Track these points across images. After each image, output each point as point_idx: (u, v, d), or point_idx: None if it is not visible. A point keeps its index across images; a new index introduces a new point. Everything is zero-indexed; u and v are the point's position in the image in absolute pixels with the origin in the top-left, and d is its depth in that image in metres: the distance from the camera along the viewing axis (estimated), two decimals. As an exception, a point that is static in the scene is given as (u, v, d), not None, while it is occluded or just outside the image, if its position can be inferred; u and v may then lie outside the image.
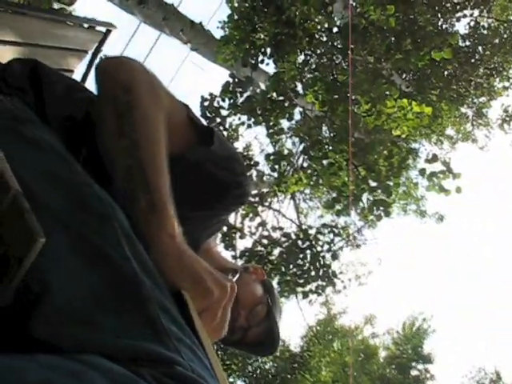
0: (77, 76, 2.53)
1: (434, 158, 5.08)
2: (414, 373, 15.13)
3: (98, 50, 2.35)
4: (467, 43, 8.80)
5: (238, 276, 1.19)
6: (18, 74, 0.87)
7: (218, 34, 6.36)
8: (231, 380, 11.30)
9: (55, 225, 0.54)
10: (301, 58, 5.97)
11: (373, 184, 5.49)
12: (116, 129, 0.78)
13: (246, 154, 7.04)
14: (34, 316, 0.46)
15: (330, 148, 5.81)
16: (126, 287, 0.54)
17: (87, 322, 0.49)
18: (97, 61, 2.42)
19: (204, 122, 1.08)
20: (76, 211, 0.58)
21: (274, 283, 7.42)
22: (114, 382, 0.43)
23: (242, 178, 1.06)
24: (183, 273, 0.72)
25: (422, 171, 5.11)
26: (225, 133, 6.63)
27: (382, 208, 5.42)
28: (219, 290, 0.74)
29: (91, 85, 0.97)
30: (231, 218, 7.38)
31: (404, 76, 7.19)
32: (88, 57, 2.43)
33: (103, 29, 2.32)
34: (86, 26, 2.34)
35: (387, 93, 5.17)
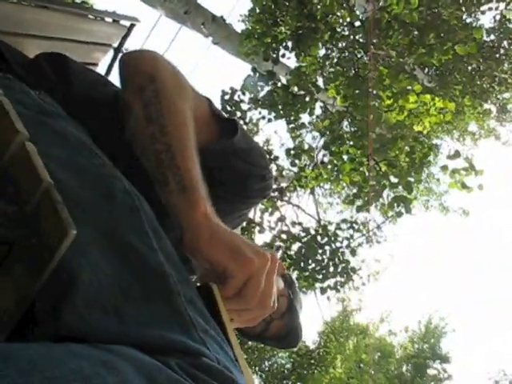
0: (101, 70, 2.56)
1: (456, 155, 5.01)
2: (431, 372, 15.00)
3: (121, 44, 2.36)
4: (492, 37, 8.64)
5: None
6: (47, 69, 0.89)
7: (239, 27, 6.38)
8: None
9: (83, 217, 0.54)
10: (322, 52, 5.96)
11: (394, 180, 5.45)
12: (144, 116, 0.79)
13: (265, 148, 7.00)
14: (63, 307, 0.46)
15: (351, 143, 5.78)
16: (153, 279, 0.55)
17: (115, 312, 0.49)
18: (120, 54, 2.44)
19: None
20: (104, 203, 0.58)
21: (293, 278, 7.39)
22: (143, 371, 0.43)
23: (265, 172, 1.06)
24: (220, 246, 0.72)
25: (444, 168, 5.05)
26: (245, 127, 6.63)
27: (402, 204, 5.36)
28: (260, 258, 0.73)
29: (115, 78, 0.99)
30: (250, 213, 7.34)
31: (426, 71, 7.08)
32: (112, 51, 2.44)
33: (127, 23, 2.33)
34: (109, 19, 2.36)
35: (409, 88, 5.13)
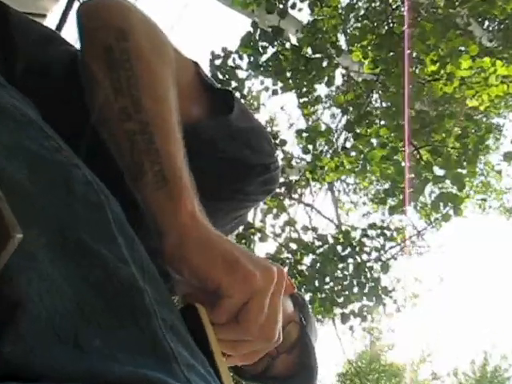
0: (51, 23, 2.53)
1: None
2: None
3: (65, 15, 2.34)
4: None
5: None
6: None
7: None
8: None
9: (33, 216, 0.54)
10: (346, 1, 5.97)
11: (439, 172, 5.45)
12: (111, 86, 0.79)
13: (269, 129, 7.01)
14: (4, 333, 0.46)
15: (382, 123, 5.81)
16: (122, 297, 0.55)
17: (74, 342, 0.49)
18: (77, 2, 2.42)
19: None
20: (59, 199, 0.58)
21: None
22: None
23: (269, 160, 1.07)
24: (212, 256, 0.72)
25: (508, 155, 5.04)
26: (242, 101, 6.61)
27: (450, 204, 5.37)
28: (264, 273, 0.73)
29: (71, 35, 0.98)
30: (249, 215, 7.36)
31: (486, 25, 7.04)
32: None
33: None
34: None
35: (462, 49, 5.09)
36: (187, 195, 0.75)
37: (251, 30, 5.84)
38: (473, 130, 5.31)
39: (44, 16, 2.37)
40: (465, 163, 5.36)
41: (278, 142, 6.87)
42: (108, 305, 0.53)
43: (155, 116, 0.78)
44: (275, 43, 5.90)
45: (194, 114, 0.96)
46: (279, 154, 6.99)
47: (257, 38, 5.86)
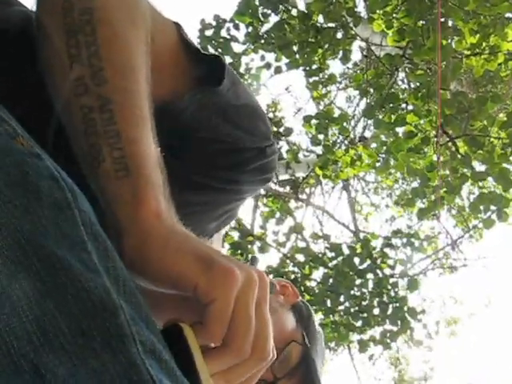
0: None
1: None
2: None
3: None
4: None
5: None
6: None
7: None
8: None
9: None
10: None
11: (480, 168, 5.48)
12: (67, 53, 0.80)
13: (271, 114, 7.00)
14: None
15: (410, 108, 5.82)
16: (93, 316, 0.55)
17: (34, 370, 0.50)
18: None
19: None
20: (15, 195, 0.59)
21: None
22: None
23: (265, 143, 1.11)
24: (183, 255, 0.73)
25: None
26: (235, 73, 6.63)
27: (494, 207, 5.39)
28: (241, 270, 0.74)
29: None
30: (246, 219, 7.42)
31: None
32: None
33: None
34: None
35: (508, 15, 5.07)
36: (152, 188, 0.76)
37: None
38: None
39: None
40: (511, 157, 5.35)
41: (281, 130, 6.85)
42: (76, 326, 0.54)
43: (119, 91, 0.79)
44: (279, 10, 5.92)
45: (174, 88, 0.99)
46: (283, 146, 7.00)
47: (256, 3, 5.87)
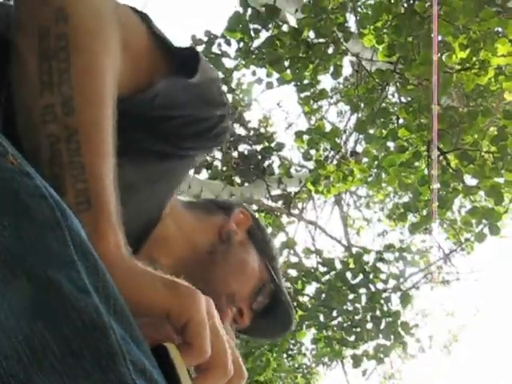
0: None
1: None
2: None
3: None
4: None
5: (222, 253, 1.33)
6: None
7: None
8: None
9: None
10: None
11: (471, 182, 5.49)
12: (39, 78, 0.80)
13: (263, 129, 7.01)
14: None
15: (401, 122, 5.82)
16: (83, 337, 0.56)
17: None
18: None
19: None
20: (4, 214, 0.60)
21: (307, 340, 7.40)
22: None
23: (223, 110, 1.16)
24: (151, 283, 0.75)
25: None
26: (229, 96, 6.58)
27: (485, 221, 5.39)
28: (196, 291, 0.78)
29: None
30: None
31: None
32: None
33: None
34: None
35: (499, 30, 5.10)
36: (112, 223, 0.78)
37: (240, 9, 5.85)
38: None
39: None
40: (503, 171, 5.35)
41: (273, 145, 6.87)
42: (66, 345, 0.54)
43: (87, 123, 0.80)
44: (270, 26, 5.92)
45: (147, 79, 1.00)
46: (275, 161, 7.01)
47: (247, 19, 5.87)
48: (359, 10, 5.98)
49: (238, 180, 7.02)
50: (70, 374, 0.53)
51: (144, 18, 1.04)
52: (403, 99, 6.06)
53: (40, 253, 0.59)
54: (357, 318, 6.57)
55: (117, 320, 0.60)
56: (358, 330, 6.53)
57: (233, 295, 1.31)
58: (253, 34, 5.92)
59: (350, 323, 6.61)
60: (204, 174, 6.92)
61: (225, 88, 6.63)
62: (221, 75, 6.49)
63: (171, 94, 1.04)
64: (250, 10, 5.87)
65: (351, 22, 6.15)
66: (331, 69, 5.93)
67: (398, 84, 6.01)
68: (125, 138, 0.88)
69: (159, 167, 1.15)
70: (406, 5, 5.46)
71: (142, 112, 0.99)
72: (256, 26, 5.89)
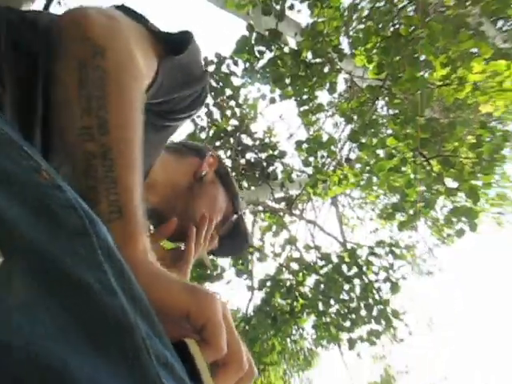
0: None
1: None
2: None
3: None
4: None
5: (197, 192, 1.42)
6: None
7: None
8: None
9: (10, 242, 0.54)
10: (348, 1, 5.97)
11: (452, 184, 5.46)
12: (78, 101, 0.82)
13: (267, 140, 7.03)
14: None
15: (390, 132, 5.83)
16: (110, 331, 0.54)
17: (61, 368, 0.48)
18: (55, 5, 2.41)
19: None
20: (38, 223, 0.58)
21: (308, 326, 7.42)
22: None
23: (205, 81, 1.21)
24: (174, 287, 0.77)
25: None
26: (237, 110, 6.61)
27: (464, 219, 5.39)
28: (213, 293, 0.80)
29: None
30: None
31: (500, 25, 7.08)
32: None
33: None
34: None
35: (474, 51, 5.09)
36: (140, 232, 0.80)
37: (246, 33, 5.85)
38: (487, 139, 5.28)
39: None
40: (479, 174, 5.37)
41: (276, 153, 6.87)
42: (94, 342, 0.53)
43: (120, 142, 0.82)
44: (272, 48, 5.90)
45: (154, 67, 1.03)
46: (278, 167, 7.02)
47: (252, 42, 5.88)
48: (351, 33, 5.97)
49: (245, 184, 6.95)
50: (101, 366, 0.52)
51: (143, 19, 1.06)
52: (391, 112, 5.99)
53: (70, 257, 0.58)
54: (352, 305, 6.56)
55: (142, 318, 0.59)
56: (353, 316, 6.52)
57: None
58: (258, 55, 5.91)
59: (345, 310, 6.59)
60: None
61: (233, 103, 6.65)
62: (229, 92, 6.50)
63: (169, 78, 1.06)
64: (255, 34, 5.85)
65: (344, 44, 6.13)
66: (327, 85, 5.93)
67: (386, 98, 5.97)
68: None
69: (157, 136, 1.20)
70: (392, 29, 5.48)
71: (152, 101, 1.03)
72: (260, 48, 5.88)
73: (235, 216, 1.49)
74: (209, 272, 6.17)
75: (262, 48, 5.90)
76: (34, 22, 1.02)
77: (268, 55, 5.94)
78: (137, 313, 0.59)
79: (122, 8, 1.05)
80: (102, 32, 0.88)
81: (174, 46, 1.07)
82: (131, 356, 0.54)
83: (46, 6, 2.44)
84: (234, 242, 1.54)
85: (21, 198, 0.60)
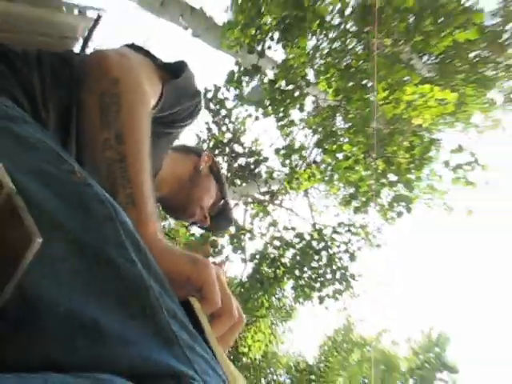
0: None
1: (459, 149, 5.05)
2: (438, 384, 15.07)
3: (89, 37, 2.37)
4: (495, 21, 8.73)
5: (196, 182, 1.41)
6: (20, 68, 0.91)
7: (221, 19, 6.34)
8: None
9: (51, 227, 0.54)
10: (312, 43, 5.97)
11: (393, 178, 5.51)
12: (100, 120, 0.82)
13: (254, 148, 7.03)
14: (30, 329, 0.45)
15: (346, 140, 5.83)
16: (131, 292, 0.54)
17: (90, 333, 0.48)
18: (88, 48, 2.45)
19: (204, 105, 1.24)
20: (73, 213, 0.58)
21: (288, 287, 7.45)
22: None
23: (200, 96, 1.17)
24: (178, 258, 0.75)
25: (447, 163, 5.08)
26: (231, 126, 6.63)
27: (403, 204, 5.44)
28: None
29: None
30: (240, 219, 7.38)
31: (426, 59, 7.12)
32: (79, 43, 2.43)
33: (94, 14, 2.34)
34: (75, 11, 2.36)
35: (407, 78, 5.14)
36: (150, 217, 0.78)
37: (235, 67, 5.85)
38: (418, 144, 5.32)
39: (77, 39, 2.39)
40: (413, 170, 5.42)
41: (261, 158, 6.89)
42: (120, 300, 0.53)
43: (132, 150, 0.81)
44: (255, 78, 5.89)
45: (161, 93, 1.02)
46: (263, 168, 7.03)
47: (239, 74, 5.87)
48: (316, 67, 6.00)
49: (238, 182, 6.94)
50: (123, 319, 0.51)
51: (148, 54, 1.07)
52: (347, 124, 6.06)
53: (100, 237, 0.57)
54: (320, 271, 6.57)
55: (155, 282, 0.58)
56: (321, 279, 6.53)
57: (203, 205, 1.41)
58: (244, 85, 5.92)
59: (316, 275, 6.59)
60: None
61: (227, 121, 6.66)
62: (224, 112, 6.51)
63: (171, 97, 1.04)
64: (241, 68, 5.87)
65: (311, 74, 6.12)
66: (298, 106, 5.94)
67: (343, 114, 5.98)
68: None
69: (163, 140, 1.18)
70: (345, 63, 5.49)
71: (158, 114, 1.01)
72: (246, 78, 5.88)
73: (223, 201, 1.49)
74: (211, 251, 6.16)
75: (247, 78, 5.90)
76: (69, 62, 1.00)
77: (253, 84, 5.94)
78: (151, 278, 0.58)
79: (132, 46, 1.05)
80: (116, 68, 0.88)
81: (173, 72, 1.06)
82: (148, 311, 0.54)
83: (83, 48, 2.48)
84: (222, 221, 1.53)
85: (60, 194, 0.59)
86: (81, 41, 2.43)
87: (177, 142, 1.35)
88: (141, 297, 0.55)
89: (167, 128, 1.15)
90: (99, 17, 2.31)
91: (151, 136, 0.87)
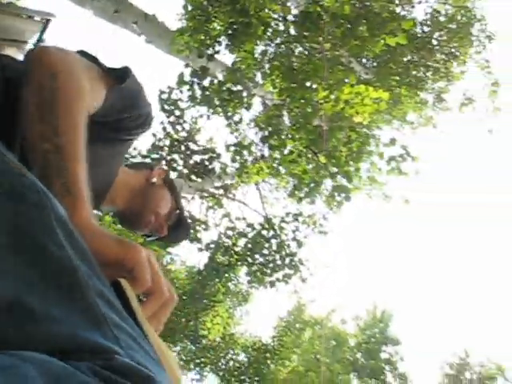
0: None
1: (392, 142, 5.16)
2: (384, 356, 15.47)
3: (39, 41, 2.30)
4: (425, 29, 8.96)
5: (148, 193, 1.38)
6: None
7: (175, 26, 6.29)
8: (205, 374, 11.33)
9: None
10: (260, 47, 5.97)
11: (333, 170, 5.55)
12: (38, 114, 0.81)
13: (208, 146, 7.02)
14: None
15: (289, 136, 5.86)
16: (60, 274, 0.53)
17: (15, 312, 0.47)
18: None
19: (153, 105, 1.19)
20: (8, 202, 0.56)
21: (242, 273, 7.49)
22: (48, 374, 0.41)
23: (149, 107, 1.15)
24: (109, 241, 0.74)
25: (380, 155, 5.19)
26: (186, 125, 6.59)
27: (342, 194, 5.51)
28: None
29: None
30: (195, 211, 7.37)
31: (363, 63, 7.23)
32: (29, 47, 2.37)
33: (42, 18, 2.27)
34: (24, 16, 2.29)
35: (346, 80, 5.20)
36: (84, 204, 0.77)
37: (184, 70, 5.83)
38: (356, 139, 5.40)
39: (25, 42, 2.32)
40: (351, 163, 5.49)
41: (214, 155, 6.88)
42: (47, 280, 0.52)
43: (67, 141, 0.80)
44: (205, 80, 5.86)
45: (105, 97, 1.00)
46: (216, 165, 7.02)
47: (188, 76, 5.83)
48: (263, 69, 6.02)
49: (194, 177, 6.97)
50: (52, 300, 0.50)
51: (94, 58, 1.04)
52: (290, 123, 6.12)
53: (33, 224, 0.56)
54: (271, 258, 6.63)
55: (83, 263, 0.57)
56: (272, 265, 6.59)
57: (157, 214, 1.35)
58: (196, 86, 5.86)
59: (267, 261, 6.66)
60: (173, 175, 6.86)
61: (181, 121, 6.62)
62: (178, 112, 6.49)
63: (117, 102, 1.03)
64: (190, 70, 5.82)
65: (258, 76, 6.16)
66: (245, 105, 5.95)
67: (287, 112, 6.01)
68: (98, 133, 0.92)
69: (115, 149, 1.16)
70: (288, 65, 5.54)
71: (105, 118, 0.98)
72: (196, 80, 5.83)
73: (178, 211, 1.44)
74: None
75: (198, 80, 5.85)
76: (20, 61, 0.98)
77: (203, 85, 5.90)
78: (80, 259, 0.56)
79: (80, 52, 1.02)
80: (56, 63, 0.87)
81: (117, 78, 1.04)
82: (76, 290, 0.53)
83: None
84: (179, 231, 1.48)
85: None
86: (30, 46, 2.36)
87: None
88: (68, 276, 0.53)
89: (119, 134, 1.13)
90: (48, 21, 2.24)
91: (103, 141, 0.87)
